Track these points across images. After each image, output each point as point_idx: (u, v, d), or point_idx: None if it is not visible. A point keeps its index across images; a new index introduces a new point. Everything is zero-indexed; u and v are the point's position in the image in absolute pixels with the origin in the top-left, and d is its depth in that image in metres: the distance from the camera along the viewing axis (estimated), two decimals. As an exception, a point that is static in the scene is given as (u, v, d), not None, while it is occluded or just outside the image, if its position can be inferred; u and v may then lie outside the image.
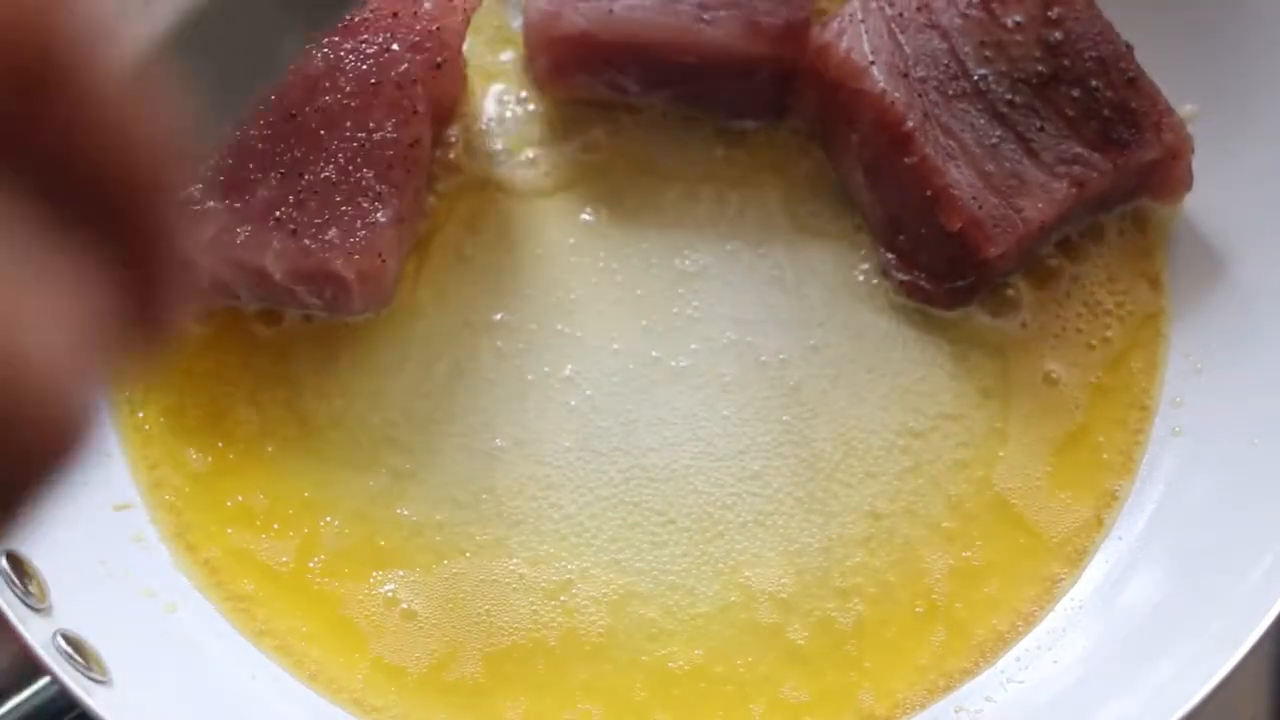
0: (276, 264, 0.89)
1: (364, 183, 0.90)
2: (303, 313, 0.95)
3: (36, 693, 0.88)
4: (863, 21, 0.97)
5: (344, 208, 0.89)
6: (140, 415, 0.94)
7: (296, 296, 0.93)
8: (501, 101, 1.03)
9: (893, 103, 0.95)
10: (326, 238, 0.89)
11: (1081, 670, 0.90)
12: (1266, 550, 0.87)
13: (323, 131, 0.90)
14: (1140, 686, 0.86)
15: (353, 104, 0.91)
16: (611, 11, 0.97)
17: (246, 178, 0.89)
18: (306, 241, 0.89)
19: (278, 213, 0.89)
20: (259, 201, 0.89)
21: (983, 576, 0.94)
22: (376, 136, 0.90)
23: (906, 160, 0.95)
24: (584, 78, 1.01)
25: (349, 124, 0.90)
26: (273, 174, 0.89)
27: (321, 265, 0.89)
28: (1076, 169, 0.96)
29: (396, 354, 0.96)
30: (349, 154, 0.90)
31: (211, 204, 0.89)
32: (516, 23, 1.03)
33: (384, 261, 0.90)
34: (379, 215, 0.89)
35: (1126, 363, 0.99)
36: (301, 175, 0.90)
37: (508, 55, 1.04)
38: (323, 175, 0.90)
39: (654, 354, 0.97)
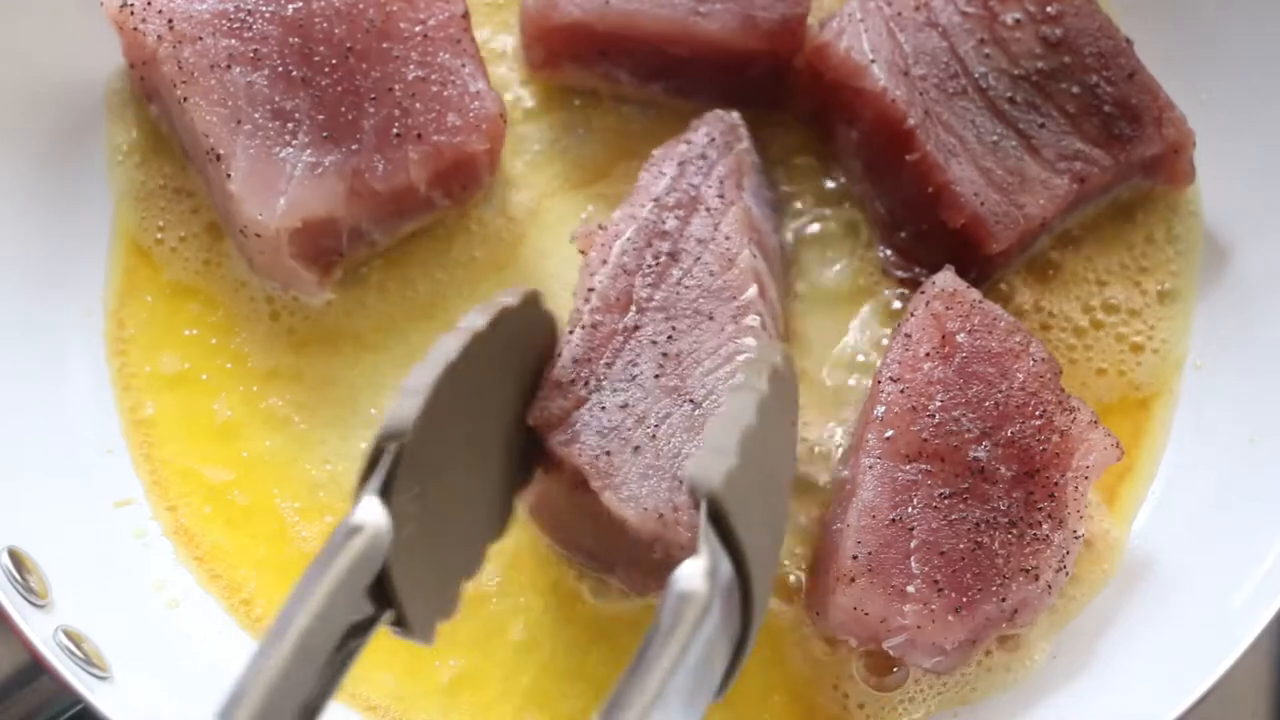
0: (420, 173, 0.93)
1: (445, 64, 0.94)
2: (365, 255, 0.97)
3: (38, 689, 0.89)
4: (862, 21, 0.97)
5: (443, 93, 0.94)
6: (141, 412, 0.94)
7: (431, 204, 0.96)
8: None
9: (894, 100, 0.95)
10: (448, 124, 0.93)
11: (1081, 668, 0.90)
12: (1266, 549, 0.87)
13: (384, 45, 0.94)
14: (1140, 685, 0.86)
15: (393, 8, 0.95)
16: (608, 2, 0.97)
17: (345, 120, 0.92)
18: (436, 138, 0.93)
19: (395, 128, 0.93)
20: (370, 132, 0.93)
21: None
22: (431, 22, 0.95)
23: (908, 158, 0.95)
24: (579, 67, 1.01)
25: (402, 26, 0.95)
26: (366, 104, 0.93)
27: (458, 152, 0.94)
28: (1078, 165, 0.96)
29: (397, 352, 0.96)
30: (418, 50, 0.94)
31: (330, 159, 0.91)
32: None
33: (503, 118, 0.95)
34: (476, 84, 0.94)
35: (1126, 359, 0.99)
36: (390, 89, 0.93)
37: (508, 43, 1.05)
38: (409, 79, 0.94)
39: (654, 351, 0.97)
